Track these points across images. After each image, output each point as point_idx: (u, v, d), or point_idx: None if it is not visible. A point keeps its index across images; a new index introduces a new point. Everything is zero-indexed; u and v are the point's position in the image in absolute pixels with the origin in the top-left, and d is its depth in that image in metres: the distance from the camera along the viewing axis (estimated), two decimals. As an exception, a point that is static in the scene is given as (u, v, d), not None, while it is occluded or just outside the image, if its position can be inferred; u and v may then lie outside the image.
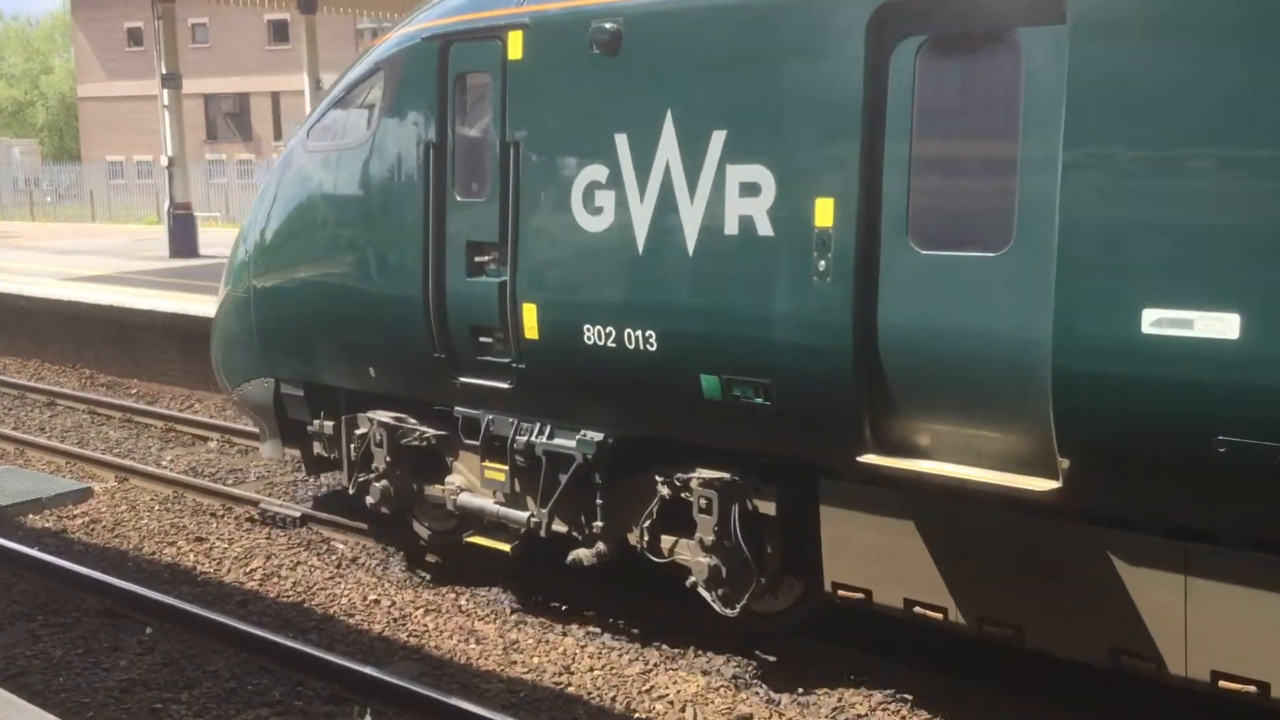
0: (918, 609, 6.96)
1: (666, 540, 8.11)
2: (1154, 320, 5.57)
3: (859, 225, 6.53)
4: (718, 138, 7.06)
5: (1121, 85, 5.65)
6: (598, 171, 7.65)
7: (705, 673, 8.09)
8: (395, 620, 8.98)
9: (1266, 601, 5.77)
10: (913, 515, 6.85)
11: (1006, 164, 6.10)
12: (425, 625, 8.90)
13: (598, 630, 8.84)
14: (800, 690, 7.79)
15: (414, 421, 9.41)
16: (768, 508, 7.50)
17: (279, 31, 62.47)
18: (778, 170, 6.82)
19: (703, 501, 7.62)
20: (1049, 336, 5.86)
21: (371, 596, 9.47)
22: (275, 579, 9.88)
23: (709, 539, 7.61)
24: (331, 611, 9.17)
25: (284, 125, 57.48)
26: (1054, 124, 5.87)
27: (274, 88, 62.02)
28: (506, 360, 8.34)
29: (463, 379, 8.68)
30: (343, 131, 9.52)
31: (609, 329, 7.63)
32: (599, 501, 8.24)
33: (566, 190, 7.82)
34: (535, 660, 8.29)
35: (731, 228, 7.04)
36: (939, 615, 6.87)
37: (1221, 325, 5.40)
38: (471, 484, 9.16)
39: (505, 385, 8.40)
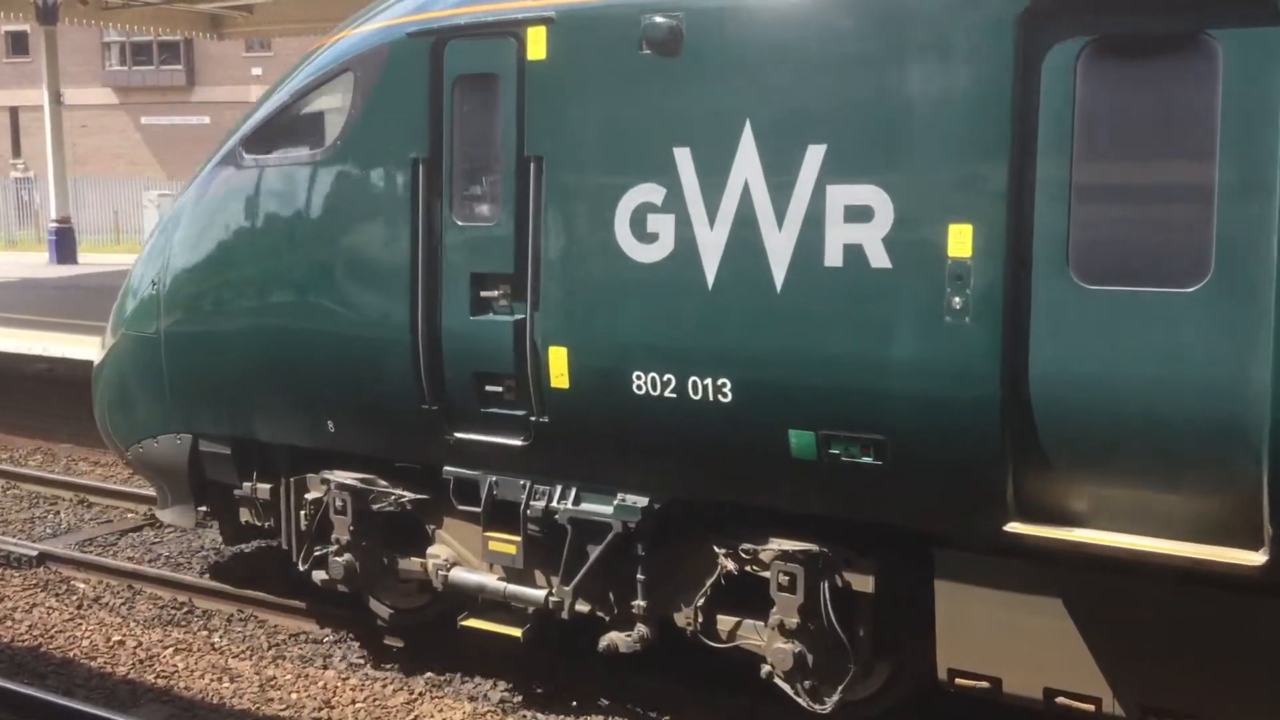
0: (1061, 699, 6.02)
1: (726, 621, 6.96)
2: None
3: (1007, 256, 5.56)
4: (814, 153, 6.00)
5: None
6: (651, 191, 6.48)
7: (472, 699, 7.86)
8: (141, 661, 8.47)
9: None
10: (1060, 591, 5.92)
11: (1198, 187, 5.23)
12: (175, 665, 8.40)
13: (361, 661, 8.48)
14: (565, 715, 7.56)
15: (385, 484, 7.98)
16: (863, 584, 6.45)
17: (18, 43, 57.76)
18: (896, 191, 5.81)
19: (784, 578, 6.51)
20: (1267, 386, 5.02)
21: (116, 637, 8.87)
22: (9, 622, 9.14)
23: (791, 622, 6.50)
24: (72, 655, 8.58)
25: (22, 141, 52.94)
26: (1263, 141, 5.05)
27: (12, 102, 57.33)
28: (521, 413, 7.06)
29: (459, 435, 7.35)
30: (294, 142, 8.03)
31: (667, 377, 6.46)
32: (640, 577, 7.03)
33: (608, 213, 6.61)
34: (294, 696, 7.92)
35: (834, 258, 5.98)
36: (1090, 706, 5.95)
37: None
38: (463, 557, 7.80)
39: (518, 442, 7.12)
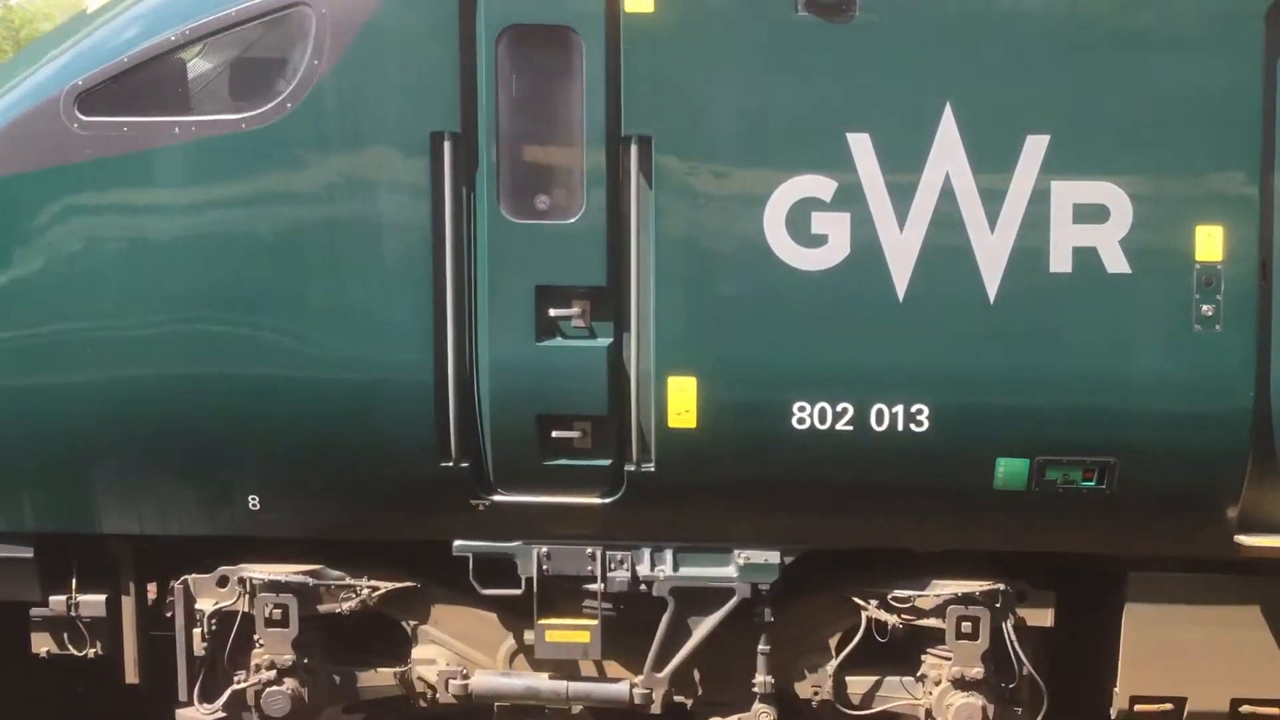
0: (1246, 707, 5.92)
1: (861, 683, 5.97)
2: None
3: (1261, 259, 5.29)
4: (1034, 144, 5.27)
5: None
6: (815, 185, 5.32)
7: None
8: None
9: None
10: (1260, 598, 5.80)
11: None
12: None
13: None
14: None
15: (337, 574, 5.85)
16: (1041, 618, 5.85)
17: None
18: (1136, 189, 5.28)
19: (965, 625, 5.72)
20: None
21: None
22: None
23: (974, 672, 5.73)
24: None
25: None
26: None
27: None
28: (605, 463, 5.52)
29: (501, 497, 5.59)
30: (200, 99, 5.56)
31: (842, 406, 5.38)
32: (763, 649, 5.81)
33: (754, 210, 5.34)
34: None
35: (1062, 263, 5.31)
36: (1276, 710, 5.91)
37: None
38: (466, 658, 5.95)
39: (594, 500, 5.57)
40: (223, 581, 5.85)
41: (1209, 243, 5.28)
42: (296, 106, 5.36)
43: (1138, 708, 5.93)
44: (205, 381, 5.47)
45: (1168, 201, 5.29)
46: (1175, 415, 5.37)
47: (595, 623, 5.70)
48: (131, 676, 6.01)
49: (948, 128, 5.27)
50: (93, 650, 5.99)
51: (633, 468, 5.51)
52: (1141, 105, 5.28)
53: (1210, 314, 5.29)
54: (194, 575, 5.87)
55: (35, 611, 5.94)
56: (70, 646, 6.00)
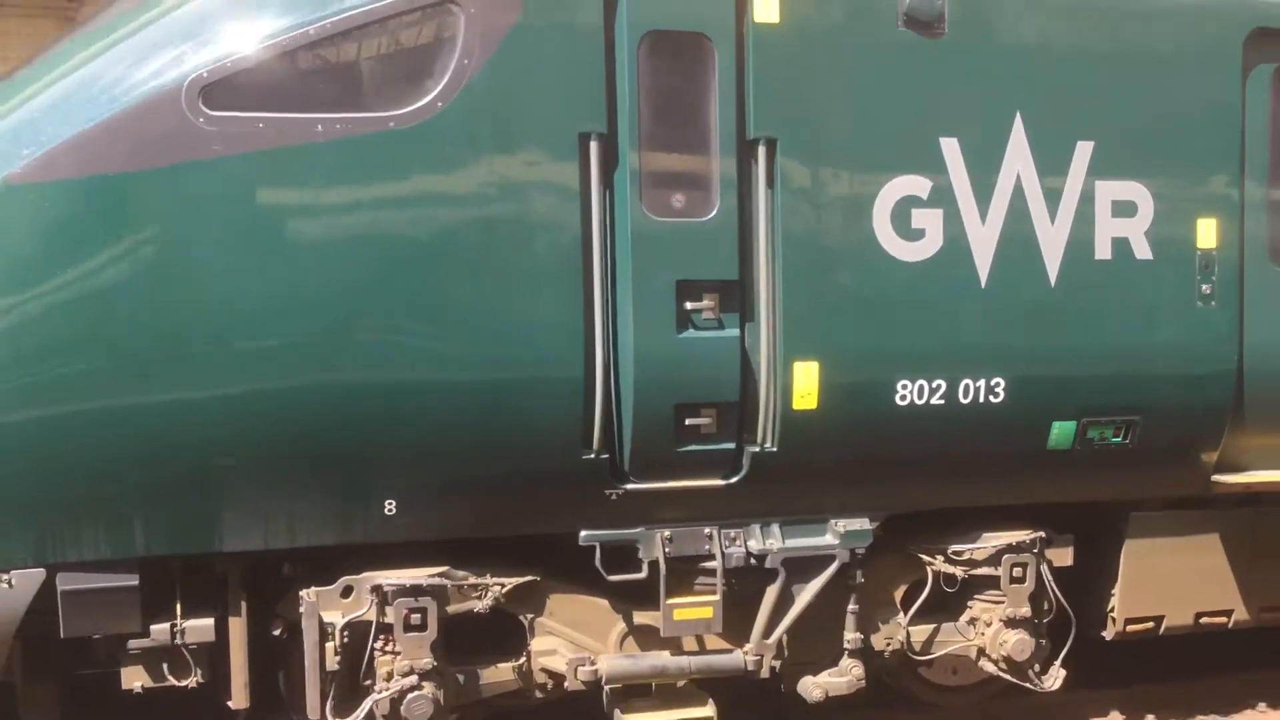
0: (1205, 619, 7.18)
1: (922, 631, 6.68)
2: None
3: (1239, 246, 6.54)
4: (1083, 149, 6.22)
5: None
6: (914, 184, 5.99)
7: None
8: None
9: None
10: (1219, 528, 7.05)
11: None
12: None
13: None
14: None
15: (462, 574, 5.84)
16: (1064, 558, 6.82)
17: None
18: (1156, 188, 6.36)
19: (1016, 570, 6.57)
20: None
21: None
22: None
23: (1022, 611, 6.60)
24: None
25: None
26: None
27: None
28: (729, 446, 5.91)
29: (635, 485, 5.83)
30: (340, 96, 5.34)
31: (937, 382, 6.09)
32: (853, 608, 6.38)
33: (865, 207, 5.92)
34: None
35: (1104, 251, 6.30)
36: (1224, 619, 7.20)
37: None
38: (581, 644, 6.11)
39: (716, 481, 5.95)
40: (345, 592, 5.66)
41: (1207, 233, 6.46)
42: (447, 106, 5.31)
43: (1129, 628, 7.06)
44: (348, 389, 5.30)
45: (1177, 199, 6.40)
46: (1182, 378, 6.49)
47: (716, 598, 6.04)
48: (241, 701, 5.64)
49: (1018, 136, 6.10)
50: (194, 679, 5.58)
51: (756, 449, 5.91)
52: (1158, 117, 6.35)
53: (1208, 292, 6.45)
54: (316, 588, 5.63)
55: (134, 643, 5.47)
56: (170, 677, 5.56)
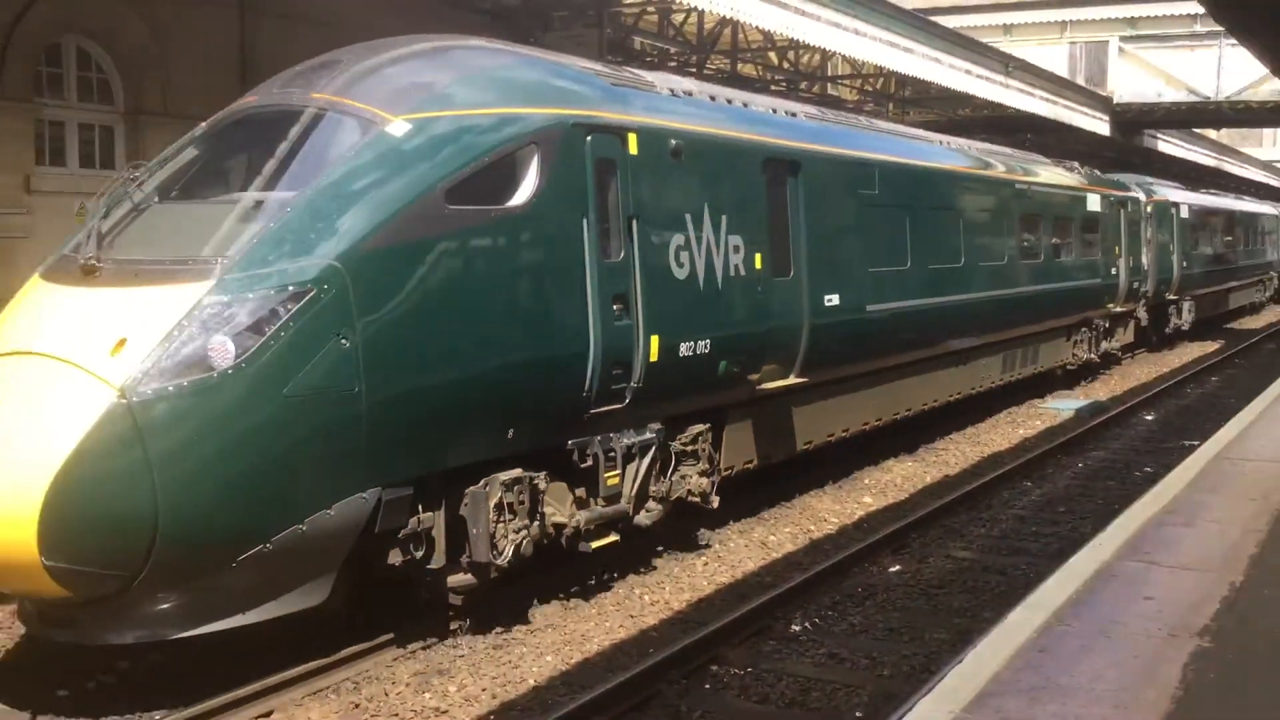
0: (742, 465, 10.78)
1: (674, 483, 9.74)
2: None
3: (767, 266, 10.41)
4: (723, 220, 9.90)
5: None
6: (679, 239, 9.41)
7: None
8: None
9: None
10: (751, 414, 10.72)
11: None
12: None
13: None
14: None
15: (519, 470, 8.04)
16: (706, 435, 10.15)
17: None
18: (742, 239, 10.05)
19: (700, 446, 10.00)
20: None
21: None
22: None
23: (700, 466, 9.93)
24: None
25: None
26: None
27: None
28: (625, 384, 8.95)
29: (593, 410, 8.67)
30: (494, 196, 7.93)
31: (689, 342, 9.37)
32: (657, 471, 9.42)
33: (663, 252, 9.27)
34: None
35: (731, 271, 9.96)
36: (752, 463, 10.85)
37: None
38: (559, 509, 8.47)
39: (619, 405, 8.84)
40: (489, 484, 7.74)
41: (758, 260, 10.21)
42: (531, 200, 7.93)
43: (724, 470, 10.42)
44: (501, 366, 7.66)
45: (748, 244, 10.07)
46: (753, 334, 10.32)
47: (618, 470, 8.94)
48: (440, 560, 7.64)
49: (704, 212, 9.65)
50: (421, 552, 7.52)
51: (636, 384, 8.76)
52: (741, 204, 10.08)
53: (760, 289, 10.27)
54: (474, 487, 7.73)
55: (403, 533, 7.34)
56: (414, 553, 7.49)
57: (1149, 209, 23.81)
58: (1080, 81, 27.53)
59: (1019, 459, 13.70)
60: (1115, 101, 28.04)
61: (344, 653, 7.43)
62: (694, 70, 22.94)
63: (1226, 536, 6.68)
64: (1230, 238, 33.35)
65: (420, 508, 7.43)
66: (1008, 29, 30.41)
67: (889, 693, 6.86)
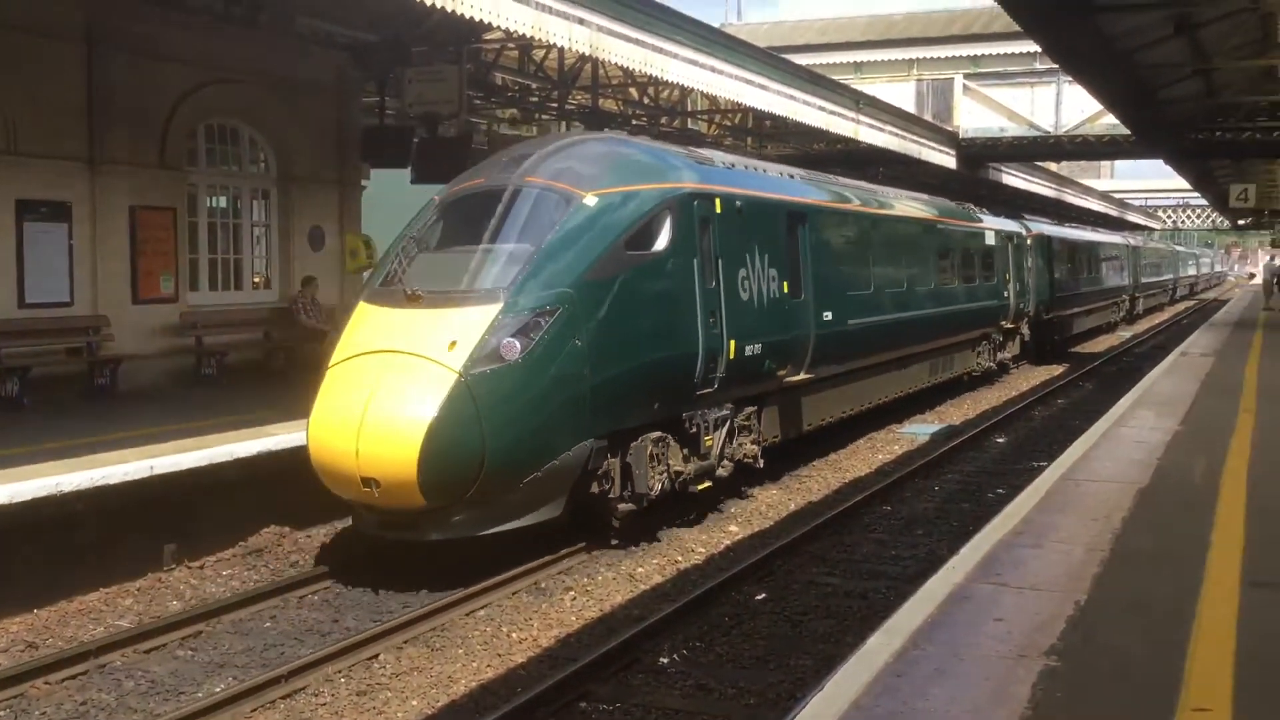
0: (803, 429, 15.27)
1: (733, 446, 13.13)
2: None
3: (797, 290, 13.75)
4: (762, 257, 13.26)
5: None
6: (743, 271, 13.03)
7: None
8: None
9: None
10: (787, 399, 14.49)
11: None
12: None
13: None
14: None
15: (659, 432, 11.45)
16: (752, 415, 13.49)
17: None
18: (777, 272, 13.68)
19: (748, 420, 13.47)
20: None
21: None
22: None
23: (752, 438, 13.42)
24: None
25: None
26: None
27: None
28: (718, 374, 12.43)
29: (700, 392, 12.10)
30: (642, 243, 11.36)
31: (753, 343, 13.03)
32: (724, 436, 12.70)
33: (735, 280, 12.97)
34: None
35: (773, 294, 13.40)
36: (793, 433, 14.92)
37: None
38: (677, 461, 11.70)
39: (711, 390, 12.35)
40: (644, 441, 11.11)
41: (785, 286, 13.72)
42: (668, 247, 11.39)
43: (775, 439, 14.45)
44: (652, 360, 11.10)
45: (770, 275, 13.46)
46: (785, 339, 13.87)
47: (715, 434, 12.70)
48: (617, 491, 10.95)
49: (756, 253, 12.99)
50: (606, 486, 10.76)
51: (721, 375, 12.08)
52: (769, 242, 13.58)
53: (788, 307, 13.72)
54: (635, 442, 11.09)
55: (599, 472, 10.59)
56: (600, 487, 10.74)
57: (1029, 242, 28.16)
58: (928, 117, 28.48)
59: (879, 484, 14.05)
60: (961, 136, 29.09)
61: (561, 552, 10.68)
62: (555, 105, 23.09)
63: (1072, 556, 6.95)
64: (1092, 266, 38.03)
65: (608, 456, 10.62)
66: (858, 66, 31.41)
67: (756, 721, 6.96)
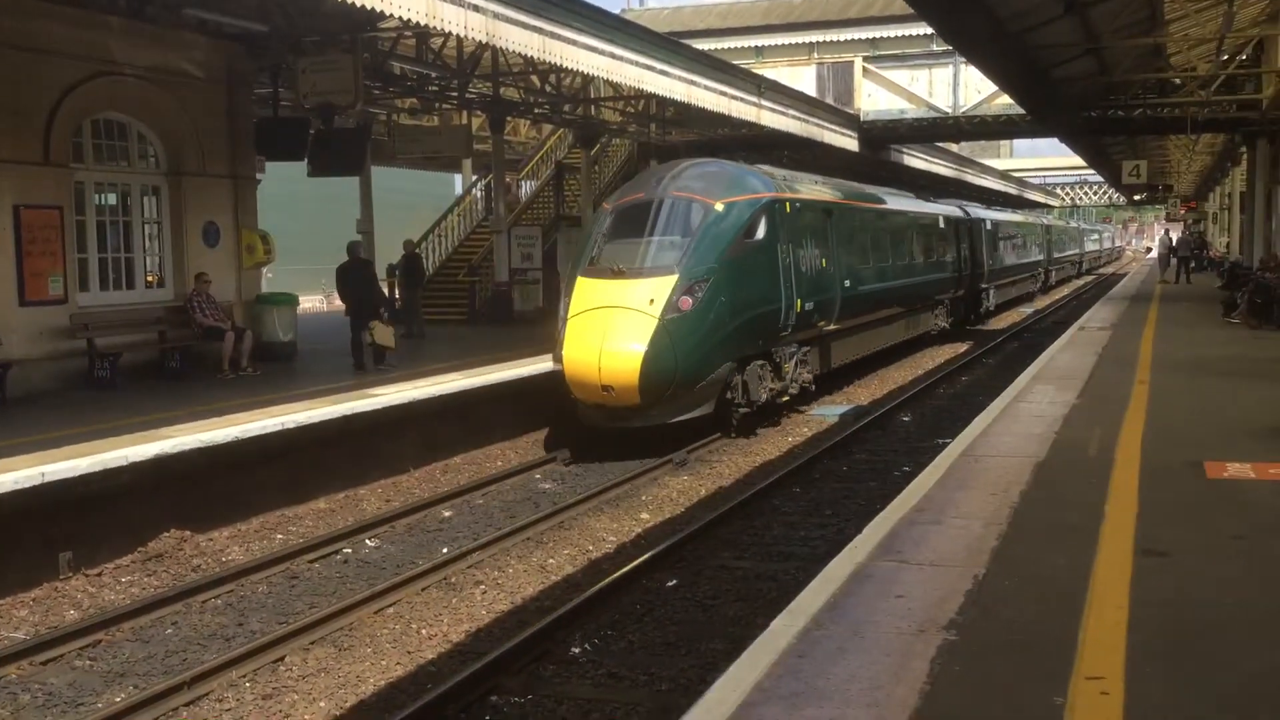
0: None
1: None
2: None
3: (833, 265, 11.08)
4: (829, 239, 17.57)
5: None
6: (814, 253, 18.22)
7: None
8: None
9: None
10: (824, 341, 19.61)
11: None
12: None
13: None
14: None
15: (764, 360, 17.01)
16: (796, 352, 18.07)
17: None
18: (821, 251, 18.37)
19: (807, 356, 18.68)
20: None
21: None
22: None
23: (807, 369, 18.53)
24: None
25: None
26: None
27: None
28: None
29: (785, 334, 17.53)
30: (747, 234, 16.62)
31: (810, 303, 18.05)
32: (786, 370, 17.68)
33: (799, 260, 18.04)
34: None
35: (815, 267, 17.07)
36: (817, 370, 19.45)
37: None
38: (770, 382, 17.21)
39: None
40: (749, 370, 16.49)
41: (829, 263, 17.83)
42: (765, 234, 16.68)
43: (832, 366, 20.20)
44: (757, 313, 16.33)
45: (824, 255, 18.08)
46: (823, 299, 18.79)
47: (791, 364, 17.90)
48: (739, 398, 16.34)
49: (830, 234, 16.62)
50: (733, 395, 16.21)
51: (794, 321, 17.45)
52: (818, 230, 18.28)
53: (823, 278, 17.61)
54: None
55: (731, 384, 16.09)
56: (732, 396, 16.36)
57: (968, 225, 32.71)
58: (830, 101, 28.74)
59: (788, 466, 14.17)
60: (862, 119, 29.41)
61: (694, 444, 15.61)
62: (454, 94, 22.86)
63: (971, 531, 7.05)
64: (1017, 243, 43.83)
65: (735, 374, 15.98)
66: (759, 51, 31.54)
67: (666, 707, 6.96)
